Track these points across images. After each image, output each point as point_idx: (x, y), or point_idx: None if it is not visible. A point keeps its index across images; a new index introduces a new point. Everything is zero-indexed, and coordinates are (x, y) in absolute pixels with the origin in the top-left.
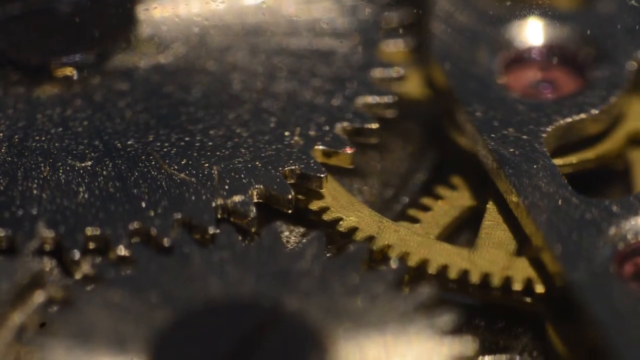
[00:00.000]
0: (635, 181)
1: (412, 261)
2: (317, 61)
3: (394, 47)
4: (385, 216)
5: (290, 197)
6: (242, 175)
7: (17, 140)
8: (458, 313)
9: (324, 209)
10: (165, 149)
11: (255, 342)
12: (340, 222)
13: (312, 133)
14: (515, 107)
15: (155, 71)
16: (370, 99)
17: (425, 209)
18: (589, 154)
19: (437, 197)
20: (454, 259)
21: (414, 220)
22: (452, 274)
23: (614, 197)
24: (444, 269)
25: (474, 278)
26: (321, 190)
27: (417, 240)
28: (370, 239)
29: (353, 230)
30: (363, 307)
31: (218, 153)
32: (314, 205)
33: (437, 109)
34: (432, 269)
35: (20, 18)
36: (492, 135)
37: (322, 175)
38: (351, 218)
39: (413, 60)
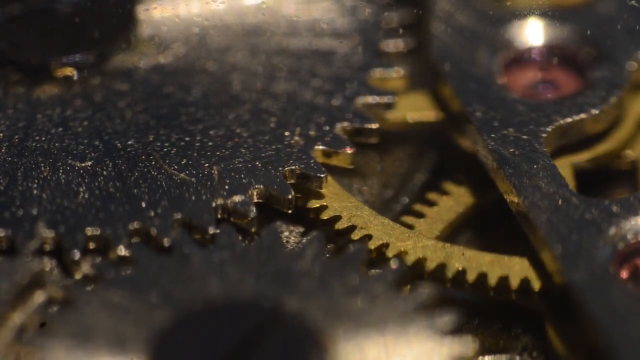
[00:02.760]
0: None
1: (493, 280)
2: (317, 61)
3: (394, 47)
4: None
5: (290, 197)
6: (242, 175)
7: (17, 140)
8: (458, 313)
9: (384, 245)
10: (165, 149)
11: (255, 342)
12: (406, 257)
13: (312, 133)
14: (515, 107)
15: (155, 71)
16: (370, 99)
17: (425, 210)
18: (603, 146)
19: (437, 198)
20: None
21: (418, 216)
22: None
23: (614, 197)
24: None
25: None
26: (372, 224)
27: (487, 259)
28: (443, 266)
29: (422, 261)
30: (363, 307)
31: (218, 153)
32: (373, 244)
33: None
34: (514, 284)
35: (20, 18)
36: (492, 135)
37: (322, 175)
38: (416, 250)
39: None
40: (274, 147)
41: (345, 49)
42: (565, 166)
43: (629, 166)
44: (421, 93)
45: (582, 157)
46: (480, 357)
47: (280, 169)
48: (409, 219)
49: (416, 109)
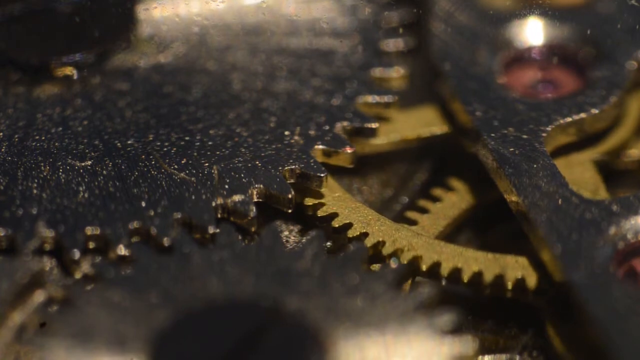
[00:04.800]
0: None
1: (531, 283)
2: (317, 61)
3: (394, 46)
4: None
5: (290, 196)
6: (242, 175)
7: (17, 139)
8: (458, 313)
9: (437, 264)
10: (165, 149)
11: (255, 342)
12: (441, 267)
13: (312, 132)
14: (515, 107)
15: (155, 71)
16: (370, 99)
17: (425, 210)
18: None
19: (437, 198)
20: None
21: (414, 221)
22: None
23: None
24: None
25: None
26: (418, 245)
27: (525, 262)
28: (480, 274)
29: (459, 271)
30: (363, 307)
31: (218, 153)
32: (425, 264)
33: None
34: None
35: (20, 18)
36: (492, 135)
37: (322, 175)
38: (454, 259)
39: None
40: (273, 146)
41: (345, 49)
42: (586, 162)
43: (631, 166)
44: (425, 109)
45: (589, 155)
46: (480, 357)
47: (280, 168)
48: (409, 220)
49: (424, 125)
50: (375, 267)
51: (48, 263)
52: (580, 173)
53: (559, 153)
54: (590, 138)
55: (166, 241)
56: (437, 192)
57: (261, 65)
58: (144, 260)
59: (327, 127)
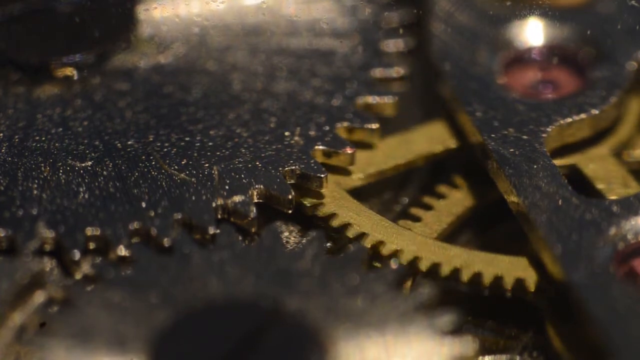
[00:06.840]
0: None
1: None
2: (317, 61)
3: (394, 46)
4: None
5: (290, 197)
6: (242, 176)
7: (17, 140)
8: (458, 313)
9: (437, 266)
10: (165, 149)
11: (255, 342)
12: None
13: (312, 133)
14: (515, 107)
15: (155, 71)
16: (370, 99)
17: (426, 208)
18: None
19: (438, 197)
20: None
21: (415, 219)
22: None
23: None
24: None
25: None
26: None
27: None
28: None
29: (478, 275)
30: (363, 307)
31: (218, 153)
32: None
33: (435, 108)
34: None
35: (20, 18)
36: (492, 135)
37: (322, 175)
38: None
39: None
40: (274, 147)
41: (345, 49)
42: (606, 155)
43: (632, 166)
44: (433, 125)
45: (606, 149)
46: (480, 357)
47: (281, 169)
48: (409, 220)
49: (436, 142)
50: (376, 264)
51: (48, 263)
52: (604, 167)
53: (574, 149)
54: (602, 132)
55: (166, 242)
56: (441, 189)
57: (261, 65)
58: (144, 261)
59: (327, 128)
